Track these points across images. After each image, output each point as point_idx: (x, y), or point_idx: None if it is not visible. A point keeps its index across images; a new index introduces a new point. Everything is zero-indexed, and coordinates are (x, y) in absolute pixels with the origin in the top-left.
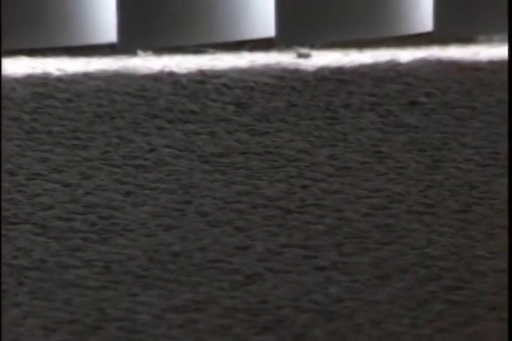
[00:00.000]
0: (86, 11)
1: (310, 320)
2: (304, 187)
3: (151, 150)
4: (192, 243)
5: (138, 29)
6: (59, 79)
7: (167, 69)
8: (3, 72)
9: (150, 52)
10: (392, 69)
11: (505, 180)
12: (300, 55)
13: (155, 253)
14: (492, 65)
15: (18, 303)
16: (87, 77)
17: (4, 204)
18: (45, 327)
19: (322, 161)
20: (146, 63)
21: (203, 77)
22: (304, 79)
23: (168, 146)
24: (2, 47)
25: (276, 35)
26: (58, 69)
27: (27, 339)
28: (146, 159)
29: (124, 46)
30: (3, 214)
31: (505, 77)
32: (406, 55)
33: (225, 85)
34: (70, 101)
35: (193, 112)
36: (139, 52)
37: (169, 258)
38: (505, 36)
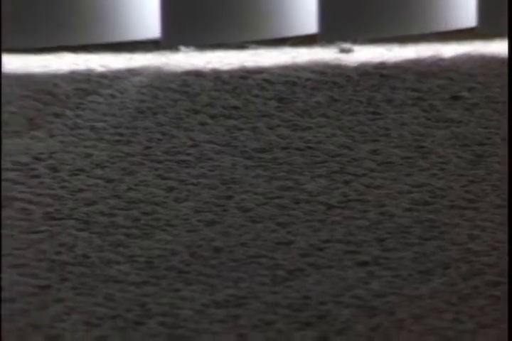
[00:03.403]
0: (130, 7)
1: (352, 315)
2: (346, 182)
3: (194, 146)
4: (234, 238)
5: (181, 25)
6: (102, 76)
7: (210, 65)
8: (47, 69)
9: (193, 48)
10: (435, 64)
11: None
12: (342, 50)
13: (197, 248)
14: None
15: (61, 299)
16: (130, 73)
17: (47, 200)
18: (87, 323)
19: (364, 156)
20: (188, 59)
21: (245, 73)
22: (346, 74)
23: (210, 142)
24: (45, 45)
25: (318, 31)
26: (102, 66)
27: (70, 335)
28: (188, 154)
29: (167, 42)
30: (47, 209)
31: None
32: (449, 50)
33: (267, 81)
34: (113, 97)
35: (235, 108)
36: (182, 48)
37: (211, 253)
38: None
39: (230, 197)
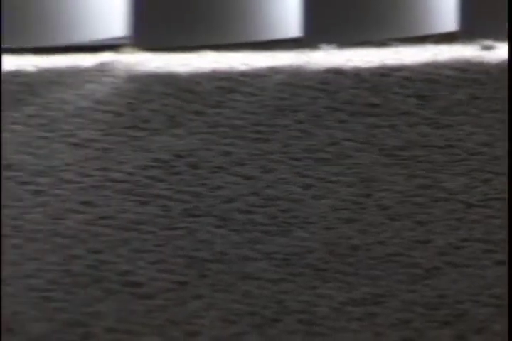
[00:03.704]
0: (271, 7)
1: (490, 314)
2: (486, 180)
3: (332, 144)
4: (371, 236)
5: (323, 24)
6: (243, 74)
7: (350, 63)
8: (189, 67)
9: (333, 46)
10: None
11: None
12: (484, 48)
13: (334, 246)
14: None
15: (200, 295)
16: (271, 71)
17: (187, 197)
18: (225, 319)
19: (504, 155)
20: (329, 57)
21: (385, 70)
22: (488, 71)
23: (349, 139)
24: (188, 44)
25: (459, 28)
26: (244, 64)
27: (208, 331)
28: (327, 152)
29: (308, 41)
30: (186, 206)
31: None
32: None
33: (407, 78)
34: (253, 95)
35: (375, 105)
36: (323, 46)
37: (348, 251)
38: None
39: (368, 195)
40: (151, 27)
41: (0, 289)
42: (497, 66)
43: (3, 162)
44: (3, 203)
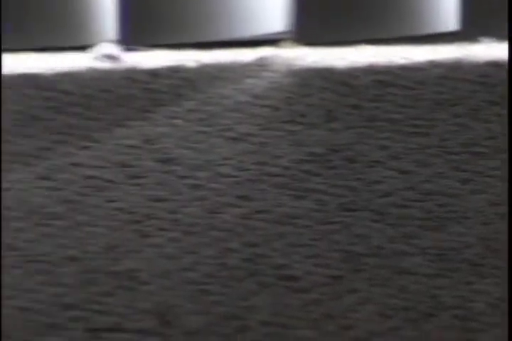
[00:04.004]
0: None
1: None
2: None
3: (490, 138)
4: None
5: (482, 18)
6: (403, 68)
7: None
8: (346, 61)
9: (493, 39)
10: None
11: None
12: None
13: (491, 241)
14: None
15: (355, 289)
16: (431, 64)
17: (343, 191)
18: (381, 314)
19: None
20: (488, 50)
21: None
22: None
23: (505, 134)
24: (346, 39)
25: None
26: (403, 58)
27: (363, 325)
28: (484, 146)
29: (467, 34)
30: (342, 200)
31: None
32: None
33: None
34: (411, 88)
35: None
36: (482, 39)
37: (506, 246)
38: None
39: None
40: (310, 22)
41: (0, 289)
42: None
43: (163, 156)
44: (162, 196)
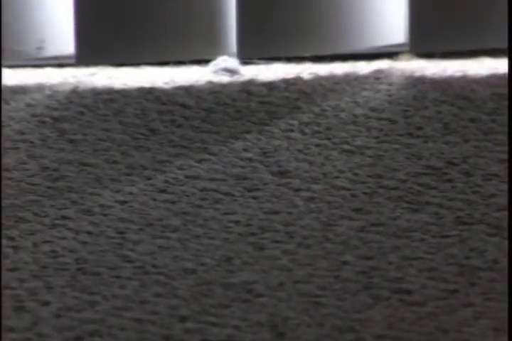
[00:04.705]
0: None
1: None
2: None
3: None
4: None
5: None
6: None
7: None
8: (465, 74)
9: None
10: None
11: None
12: None
13: None
14: None
15: (471, 303)
16: None
17: (459, 204)
18: (496, 328)
19: None
20: None
21: None
22: None
23: None
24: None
25: None
26: None
27: (477, 340)
28: None
29: None
30: (458, 214)
31: None
32: None
33: None
34: None
35: None
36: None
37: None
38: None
39: None
40: (426, 33)
41: (0, 289)
42: None
43: (279, 169)
44: (277, 209)
